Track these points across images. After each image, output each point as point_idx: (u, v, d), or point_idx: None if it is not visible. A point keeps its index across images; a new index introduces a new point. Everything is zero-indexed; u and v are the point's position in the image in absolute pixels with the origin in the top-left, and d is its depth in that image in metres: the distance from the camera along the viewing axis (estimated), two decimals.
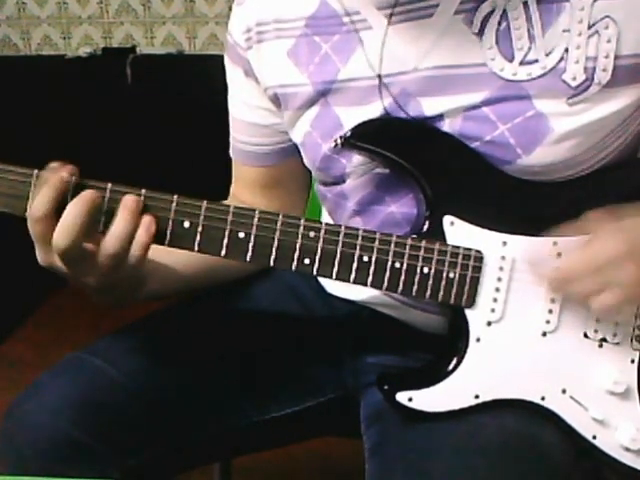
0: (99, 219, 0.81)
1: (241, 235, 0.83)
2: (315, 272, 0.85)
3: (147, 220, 0.81)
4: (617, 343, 0.87)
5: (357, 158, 0.92)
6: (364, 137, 0.87)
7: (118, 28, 2.95)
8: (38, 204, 0.79)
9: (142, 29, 2.94)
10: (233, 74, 1.03)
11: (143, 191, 0.82)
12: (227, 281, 1.07)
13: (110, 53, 2.88)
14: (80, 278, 0.84)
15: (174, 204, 0.83)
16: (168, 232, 0.83)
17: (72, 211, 0.79)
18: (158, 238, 0.83)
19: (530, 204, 0.88)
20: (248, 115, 1.04)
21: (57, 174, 0.80)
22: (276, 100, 0.98)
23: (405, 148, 0.88)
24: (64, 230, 0.79)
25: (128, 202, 0.81)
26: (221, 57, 1.06)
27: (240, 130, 1.07)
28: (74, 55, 2.90)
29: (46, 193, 0.79)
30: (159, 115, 2.67)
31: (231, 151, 1.10)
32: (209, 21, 2.88)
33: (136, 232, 0.81)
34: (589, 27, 0.83)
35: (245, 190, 1.11)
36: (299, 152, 1.01)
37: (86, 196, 0.80)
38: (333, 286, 1.08)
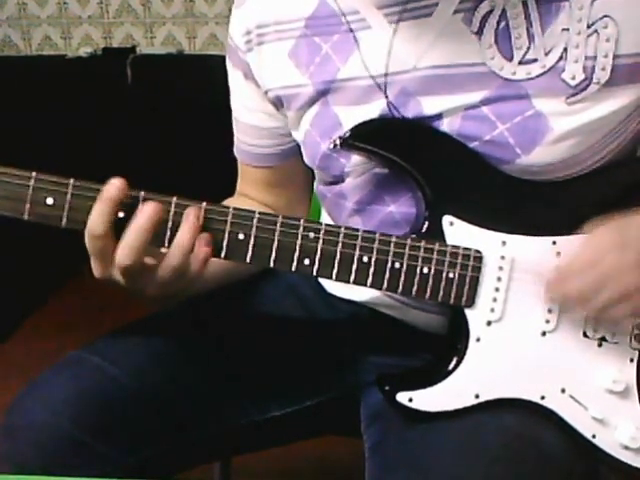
0: (164, 233, 0.82)
1: (241, 236, 0.83)
2: (315, 273, 0.85)
3: (205, 235, 0.82)
4: (616, 342, 0.87)
5: (356, 157, 0.92)
6: (363, 137, 0.88)
7: (118, 28, 2.95)
8: (96, 221, 0.79)
9: (142, 29, 2.94)
10: (233, 77, 1.04)
11: (204, 204, 0.83)
12: (242, 279, 1.08)
13: (110, 53, 2.88)
14: (138, 290, 0.84)
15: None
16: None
17: (135, 227, 0.79)
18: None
19: (529, 204, 0.88)
20: (248, 117, 1.05)
21: (112, 189, 0.79)
22: (278, 102, 0.99)
23: (404, 148, 0.88)
24: (128, 246, 0.79)
25: (190, 216, 0.81)
26: (221, 57, 1.06)
27: (242, 131, 1.08)
28: (74, 55, 2.90)
29: (103, 209, 0.79)
30: (159, 115, 2.67)
31: (235, 150, 1.11)
32: (209, 21, 2.88)
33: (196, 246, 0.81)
34: (588, 26, 0.83)
35: (250, 187, 1.12)
36: (299, 153, 1.02)
37: (149, 211, 0.79)
38: (333, 286, 1.08)
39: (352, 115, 0.91)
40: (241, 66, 1.00)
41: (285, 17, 0.94)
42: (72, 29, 2.98)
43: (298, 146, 1.02)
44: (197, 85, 2.61)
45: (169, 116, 2.66)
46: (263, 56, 0.97)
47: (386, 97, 0.89)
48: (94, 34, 2.97)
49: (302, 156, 1.01)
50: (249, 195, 1.11)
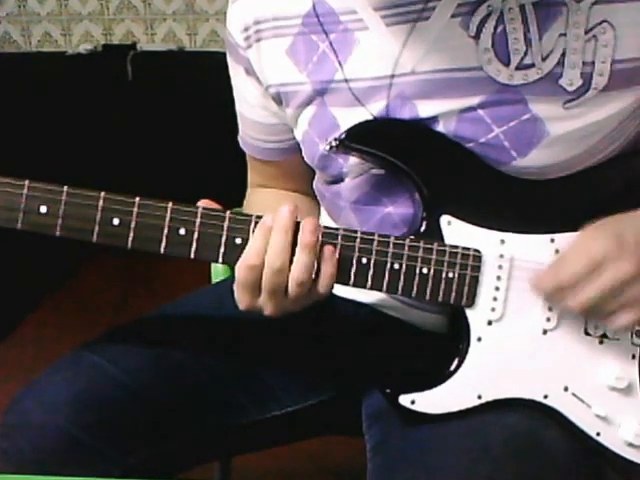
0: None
1: (238, 241, 0.83)
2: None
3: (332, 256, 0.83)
4: (617, 339, 0.87)
5: (354, 158, 0.92)
6: (359, 139, 0.87)
7: (118, 25, 2.95)
8: (278, 254, 0.80)
9: (142, 26, 2.94)
10: (235, 72, 1.03)
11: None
12: None
13: (110, 50, 2.89)
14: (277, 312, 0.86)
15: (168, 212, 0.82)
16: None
17: (306, 245, 0.81)
18: None
19: (527, 201, 0.87)
20: (250, 113, 1.05)
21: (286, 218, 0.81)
22: (278, 98, 0.98)
23: (400, 149, 0.87)
24: (303, 265, 0.81)
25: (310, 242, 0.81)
26: (221, 54, 1.06)
27: (245, 125, 1.08)
28: (74, 52, 2.90)
29: (284, 241, 0.81)
30: (160, 112, 2.67)
31: (240, 142, 1.12)
32: (209, 18, 2.88)
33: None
34: (586, 32, 0.83)
35: (259, 177, 1.13)
36: (300, 150, 1.01)
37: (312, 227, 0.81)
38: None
39: (349, 116, 0.90)
40: (242, 62, 1.00)
41: (282, 13, 0.94)
42: (72, 26, 2.98)
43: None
44: (198, 82, 2.61)
45: (169, 113, 2.66)
46: (262, 52, 0.97)
47: (383, 100, 0.89)
48: (94, 31, 2.97)
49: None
50: (268, 185, 1.12)
